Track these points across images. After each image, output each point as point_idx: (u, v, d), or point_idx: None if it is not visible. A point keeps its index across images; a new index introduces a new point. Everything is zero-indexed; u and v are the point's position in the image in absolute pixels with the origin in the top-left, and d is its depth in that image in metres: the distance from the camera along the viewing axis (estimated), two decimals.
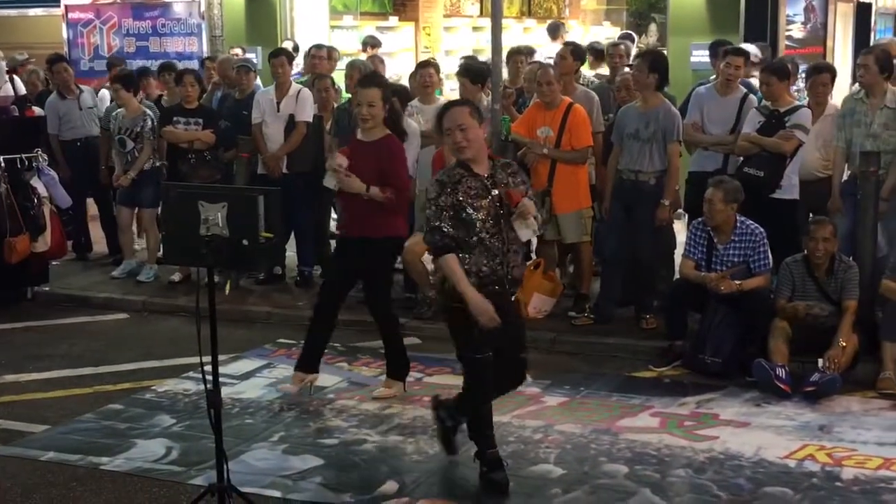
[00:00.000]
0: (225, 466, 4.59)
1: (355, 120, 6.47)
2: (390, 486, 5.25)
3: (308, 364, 6.61)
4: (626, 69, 8.56)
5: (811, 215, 7.37)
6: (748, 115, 7.68)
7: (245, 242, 4.33)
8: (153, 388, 6.80)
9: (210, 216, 4.33)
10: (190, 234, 4.38)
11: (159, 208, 9.24)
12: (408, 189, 6.68)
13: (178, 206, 4.48)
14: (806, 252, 6.82)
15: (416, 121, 8.13)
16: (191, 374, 6.92)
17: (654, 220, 7.48)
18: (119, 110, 9.37)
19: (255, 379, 6.97)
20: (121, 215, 9.60)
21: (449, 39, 16.89)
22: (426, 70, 8.74)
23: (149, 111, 9.32)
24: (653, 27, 21.63)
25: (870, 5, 15.24)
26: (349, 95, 8.77)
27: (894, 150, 7.27)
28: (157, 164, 9.34)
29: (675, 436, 5.85)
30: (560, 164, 7.81)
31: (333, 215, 9.32)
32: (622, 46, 9.66)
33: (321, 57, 9.73)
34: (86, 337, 8.07)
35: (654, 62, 7.56)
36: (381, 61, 9.71)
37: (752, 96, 7.87)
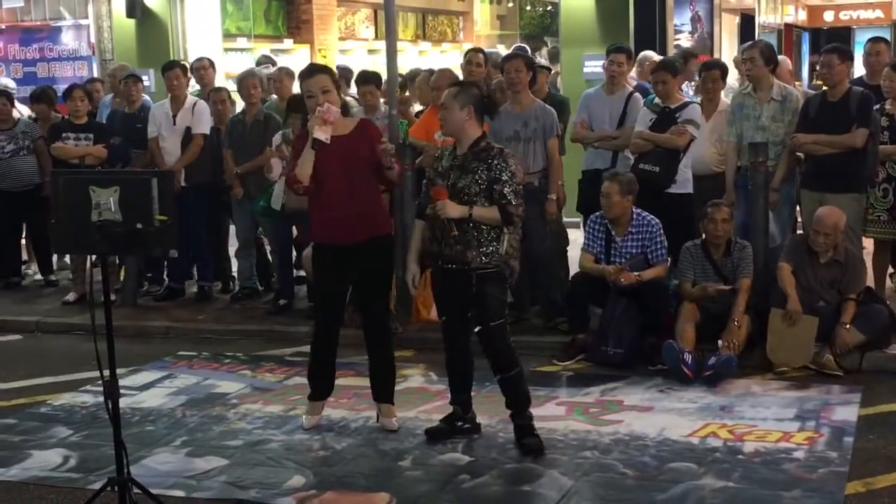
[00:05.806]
0: (125, 459, 4.47)
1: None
2: (297, 479, 5.18)
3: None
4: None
5: None
6: (640, 114, 7.81)
7: (139, 226, 4.24)
8: (49, 402, 6.59)
9: (102, 201, 4.23)
10: (81, 221, 4.27)
11: None
12: None
13: (68, 192, 4.35)
14: (704, 236, 6.96)
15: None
16: (88, 387, 6.73)
17: (545, 217, 7.50)
18: None
19: (155, 389, 6.80)
20: None
21: (344, 62, 16.86)
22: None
23: None
24: (544, 51, 21.93)
25: (753, 18, 15.72)
26: (243, 106, 8.71)
27: (783, 142, 7.46)
28: None
29: (581, 421, 5.89)
30: None
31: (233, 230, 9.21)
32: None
33: (206, 67, 9.57)
34: None
35: (529, 60, 7.72)
36: (289, 74, 9.38)
37: (636, 94, 8.00)
